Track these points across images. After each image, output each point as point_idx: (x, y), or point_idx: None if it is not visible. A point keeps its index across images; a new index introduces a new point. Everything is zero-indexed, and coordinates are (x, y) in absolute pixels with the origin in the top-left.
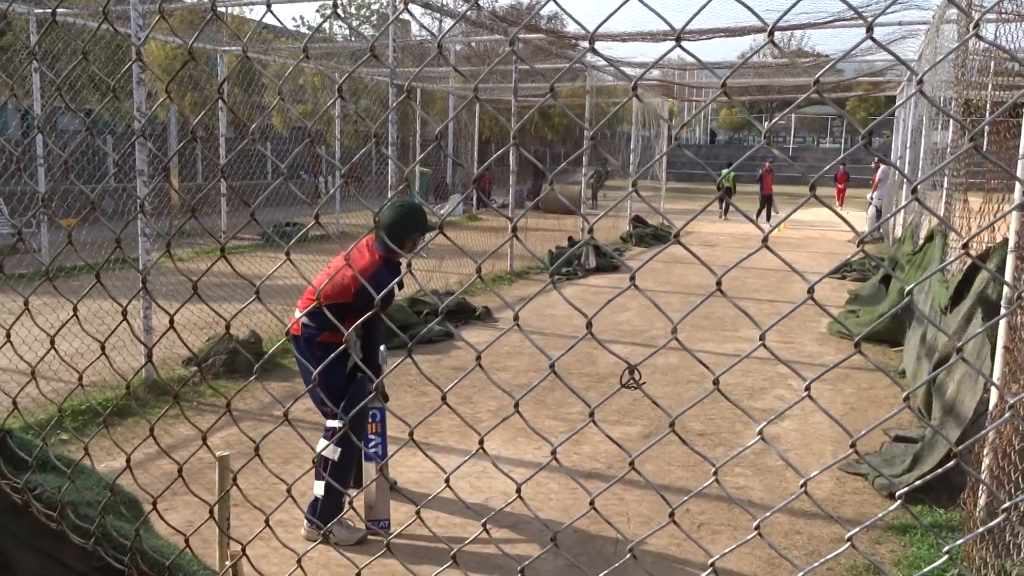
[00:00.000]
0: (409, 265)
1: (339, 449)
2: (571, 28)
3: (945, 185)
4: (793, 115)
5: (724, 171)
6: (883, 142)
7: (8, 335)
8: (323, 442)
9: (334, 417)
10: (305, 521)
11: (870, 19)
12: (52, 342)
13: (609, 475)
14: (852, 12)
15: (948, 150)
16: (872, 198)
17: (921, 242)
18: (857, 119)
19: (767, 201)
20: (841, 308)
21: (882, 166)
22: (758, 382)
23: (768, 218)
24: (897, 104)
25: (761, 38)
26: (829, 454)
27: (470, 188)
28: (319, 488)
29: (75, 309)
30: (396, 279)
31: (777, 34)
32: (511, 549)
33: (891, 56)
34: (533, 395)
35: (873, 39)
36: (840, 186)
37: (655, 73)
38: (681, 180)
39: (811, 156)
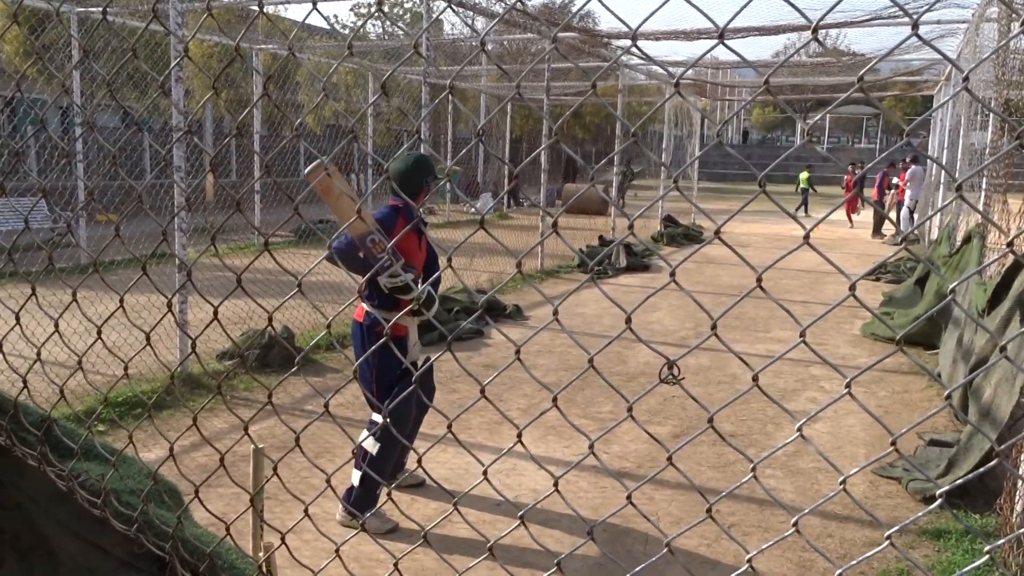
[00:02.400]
0: (449, 261)
1: (379, 444)
2: (603, 27)
3: (984, 186)
4: (828, 115)
5: (802, 173)
6: (920, 142)
7: (56, 326)
8: (365, 433)
9: (378, 411)
10: (340, 507)
11: (915, 16)
12: (99, 332)
13: (639, 474)
14: (890, 11)
15: (987, 151)
16: (907, 200)
17: (958, 244)
18: (893, 120)
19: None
20: (876, 310)
21: (912, 166)
22: (790, 384)
23: (878, 230)
24: (943, 101)
25: (796, 37)
26: (862, 457)
27: (512, 183)
28: (356, 477)
29: (121, 301)
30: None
31: (810, 33)
32: (538, 551)
33: (928, 56)
34: (563, 395)
35: (918, 36)
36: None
37: (688, 73)
38: (714, 180)
39: (846, 156)
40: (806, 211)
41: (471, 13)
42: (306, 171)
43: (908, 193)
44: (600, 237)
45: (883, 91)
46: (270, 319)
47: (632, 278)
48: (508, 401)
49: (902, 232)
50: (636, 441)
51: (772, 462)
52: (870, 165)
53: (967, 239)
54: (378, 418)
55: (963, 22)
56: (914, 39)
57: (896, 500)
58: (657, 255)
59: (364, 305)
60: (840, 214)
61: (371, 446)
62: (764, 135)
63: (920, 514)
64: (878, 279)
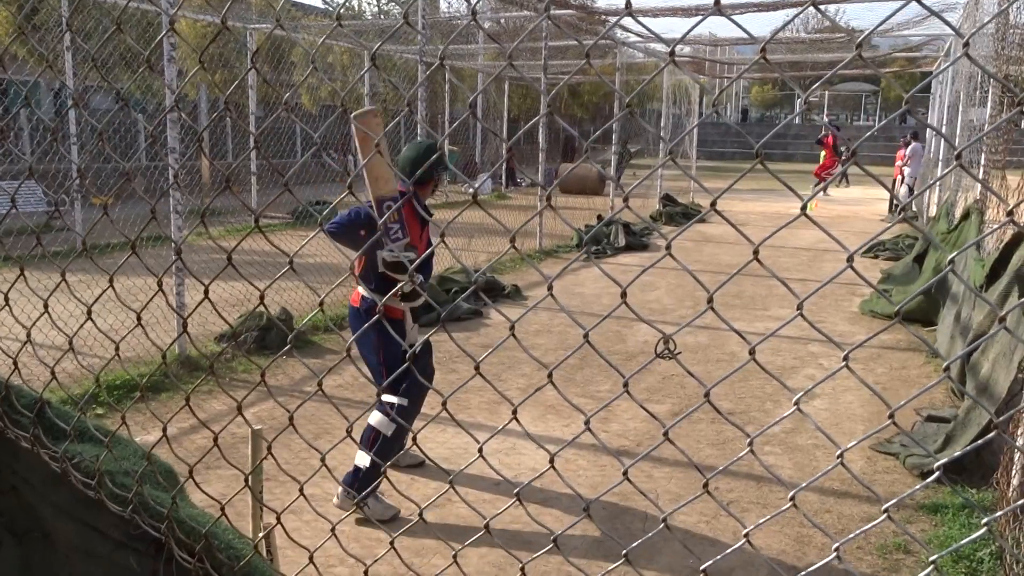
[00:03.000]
0: (443, 236)
1: (394, 425)
2: (600, 4)
3: (982, 163)
4: (826, 92)
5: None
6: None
7: (46, 306)
8: (376, 414)
9: (385, 391)
10: (339, 489)
11: None
12: (89, 313)
13: (638, 452)
14: None
15: (986, 126)
16: (907, 177)
17: (956, 220)
18: (892, 96)
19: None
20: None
21: (913, 142)
22: (788, 361)
23: (891, 208)
24: (943, 67)
25: (794, 14)
26: (860, 433)
27: (503, 159)
28: (362, 459)
29: (111, 281)
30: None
31: (811, 10)
32: (539, 530)
33: (927, 31)
34: (562, 373)
35: (920, 3)
36: (827, 161)
37: (686, 50)
38: (711, 159)
39: (845, 134)
40: (824, 190)
41: None
42: (356, 113)
43: (908, 170)
44: (599, 216)
45: (882, 67)
46: (261, 297)
47: (630, 257)
48: (507, 381)
49: (901, 202)
50: (635, 419)
51: (770, 439)
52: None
53: (965, 215)
54: (390, 398)
55: None
56: (914, 7)
57: (894, 476)
58: (656, 230)
59: (360, 289)
60: (832, 191)
61: (386, 427)
62: (763, 113)
63: (918, 487)
64: (876, 256)
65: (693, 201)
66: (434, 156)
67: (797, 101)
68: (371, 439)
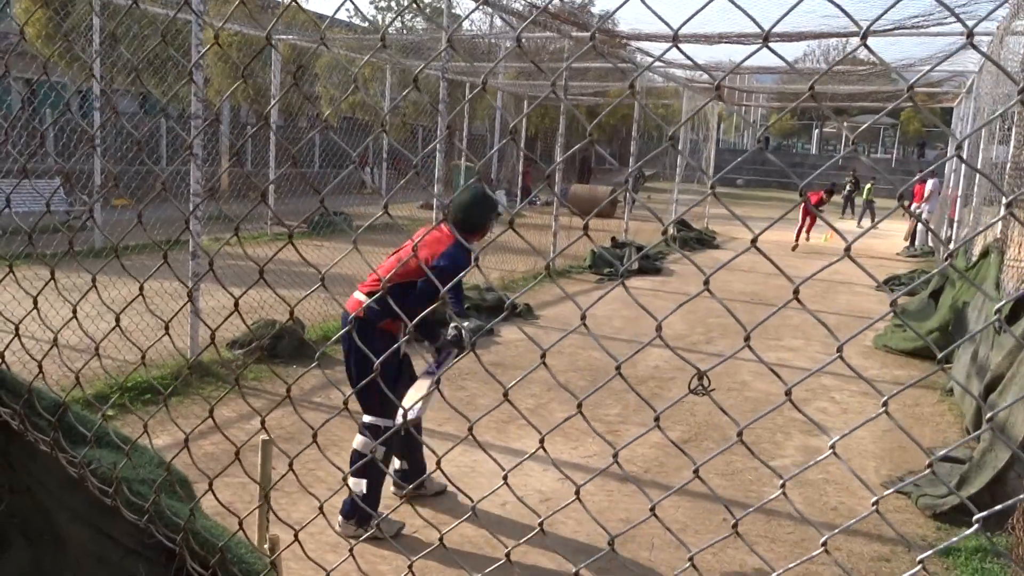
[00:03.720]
0: (477, 260)
1: (382, 447)
2: (622, 28)
3: (1003, 202)
4: (844, 123)
5: (867, 185)
6: (937, 155)
7: (75, 312)
8: (360, 438)
9: (371, 412)
10: (340, 516)
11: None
12: (118, 320)
13: (646, 479)
14: (913, 20)
15: (1008, 165)
16: (924, 214)
17: (975, 259)
18: (911, 129)
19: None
20: (888, 323)
21: (930, 180)
22: (800, 393)
23: (912, 242)
24: (1001, 110)
25: (816, 44)
26: (871, 470)
27: (545, 181)
28: (356, 485)
29: (141, 289)
30: (469, 264)
31: (832, 41)
32: (542, 553)
33: (949, 68)
34: (569, 397)
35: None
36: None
37: (704, 77)
38: (725, 185)
39: (862, 167)
40: (872, 220)
41: (491, 10)
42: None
43: (926, 207)
44: (612, 239)
45: (906, 102)
46: (291, 313)
47: (643, 281)
48: (516, 401)
49: (946, 247)
50: (642, 445)
51: (780, 472)
52: (911, 182)
53: (984, 254)
54: (370, 419)
55: (987, 35)
56: (937, 43)
57: (906, 515)
58: (685, 256)
59: (358, 296)
60: (843, 225)
61: (377, 449)
62: (780, 142)
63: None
64: (892, 291)
65: (707, 227)
66: (473, 184)
67: (815, 132)
68: (361, 465)
